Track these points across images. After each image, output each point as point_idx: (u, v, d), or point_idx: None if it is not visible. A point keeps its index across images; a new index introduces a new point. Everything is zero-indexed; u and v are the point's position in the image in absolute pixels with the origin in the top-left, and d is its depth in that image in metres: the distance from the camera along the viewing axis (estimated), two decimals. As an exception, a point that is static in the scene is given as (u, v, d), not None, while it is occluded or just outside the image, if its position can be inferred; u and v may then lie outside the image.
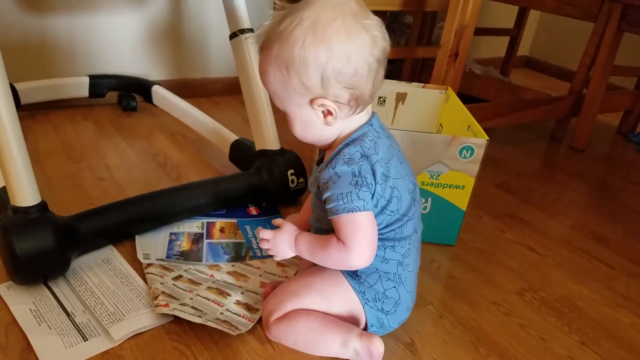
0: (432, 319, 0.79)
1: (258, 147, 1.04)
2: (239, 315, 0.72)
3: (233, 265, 0.83)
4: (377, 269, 0.67)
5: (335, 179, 0.61)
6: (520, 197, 1.23)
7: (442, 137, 0.88)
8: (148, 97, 1.42)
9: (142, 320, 0.69)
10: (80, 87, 1.37)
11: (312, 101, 0.60)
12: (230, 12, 1.02)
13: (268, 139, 1.03)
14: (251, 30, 1.02)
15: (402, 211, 0.66)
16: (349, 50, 0.57)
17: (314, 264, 0.71)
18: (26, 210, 0.72)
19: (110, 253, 0.82)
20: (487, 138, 0.87)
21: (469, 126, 0.97)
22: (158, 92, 1.40)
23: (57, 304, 0.71)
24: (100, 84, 1.39)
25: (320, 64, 0.57)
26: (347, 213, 0.60)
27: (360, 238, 0.62)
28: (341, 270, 0.68)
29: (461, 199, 0.92)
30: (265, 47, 0.60)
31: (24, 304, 0.70)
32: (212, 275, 0.80)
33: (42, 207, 0.74)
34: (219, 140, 1.19)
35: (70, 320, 0.69)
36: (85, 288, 0.74)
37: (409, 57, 1.77)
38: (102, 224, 0.82)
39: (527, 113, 1.47)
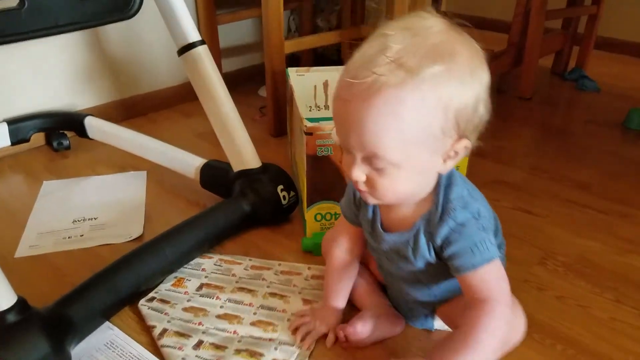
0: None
1: (236, 168, 0.94)
2: None
3: (255, 314, 0.74)
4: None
5: (459, 230, 0.55)
6: (496, 159, 1.23)
7: None
8: (82, 132, 1.24)
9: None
10: (-3, 135, 1.18)
11: (455, 143, 0.52)
12: (175, 26, 0.89)
13: (247, 158, 0.93)
14: (203, 42, 0.90)
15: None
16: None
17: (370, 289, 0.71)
18: (3, 315, 0.59)
19: (112, 333, 0.70)
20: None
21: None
22: (92, 124, 1.22)
23: (71, 414, 0.60)
24: (21, 127, 1.20)
25: (475, 106, 0.52)
26: (488, 263, 0.55)
27: (505, 287, 0.56)
28: None
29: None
30: (396, 86, 0.47)
31: None
32: (235, 332, 0.70)
33: (21, 305, 0.61)
34: (181, 166, 1.06)
35: None
36: (101, 386, 0.63)
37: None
38: (94, 302, 0.70)
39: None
